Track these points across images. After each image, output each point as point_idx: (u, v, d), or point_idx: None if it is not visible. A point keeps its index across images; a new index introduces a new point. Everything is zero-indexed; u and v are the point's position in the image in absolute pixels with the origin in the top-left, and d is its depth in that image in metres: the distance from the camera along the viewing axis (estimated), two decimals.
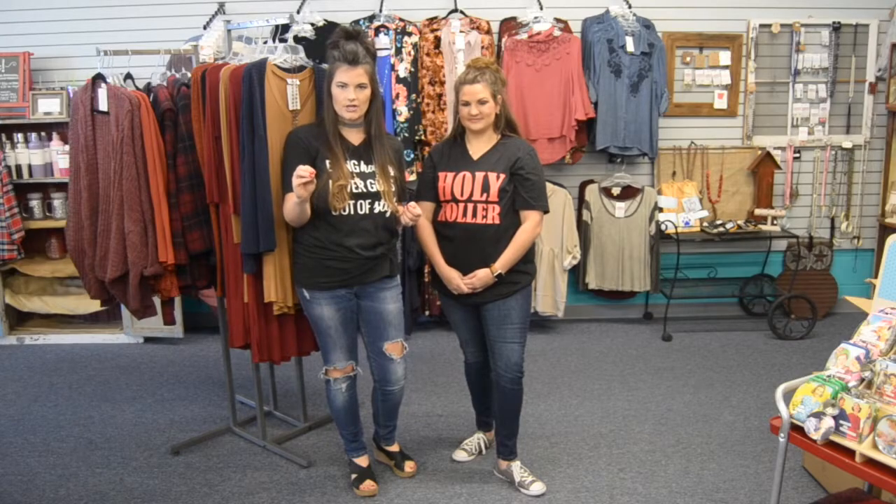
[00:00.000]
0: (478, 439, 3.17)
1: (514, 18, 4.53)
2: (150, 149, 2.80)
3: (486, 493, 2.86)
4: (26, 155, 4.40)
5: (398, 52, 4.33)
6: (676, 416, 3.50)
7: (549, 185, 4.20)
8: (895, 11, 4.71)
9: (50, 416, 3.58)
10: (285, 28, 3.44)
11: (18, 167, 4.41)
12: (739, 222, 4.65)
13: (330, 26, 4.18)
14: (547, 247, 4.55)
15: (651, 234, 4.64)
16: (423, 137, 4.39)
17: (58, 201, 4.48)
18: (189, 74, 2.92)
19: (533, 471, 2.95)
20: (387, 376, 2.81)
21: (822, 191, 4.94)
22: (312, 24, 4.22)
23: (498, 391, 2.83)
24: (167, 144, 2.86)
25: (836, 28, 4.72)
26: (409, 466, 3.00)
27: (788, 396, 2.04)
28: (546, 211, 2.75)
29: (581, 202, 4.71)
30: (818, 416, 1.95)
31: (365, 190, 2.61)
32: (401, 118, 4.34)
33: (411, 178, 4.12)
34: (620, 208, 4.64)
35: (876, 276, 2.40)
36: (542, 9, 4.46)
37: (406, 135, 4.33)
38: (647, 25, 4.47)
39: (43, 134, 4.45)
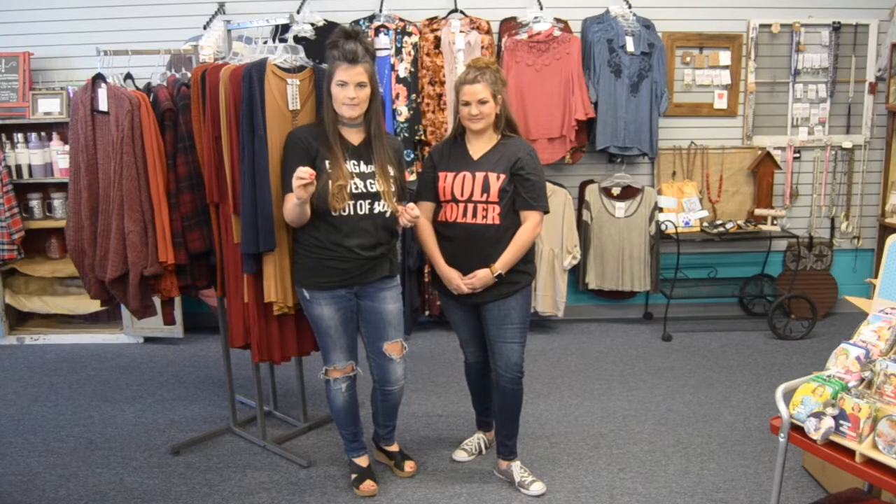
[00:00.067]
0: (478, 439, 3.17)
1: (514, 18, 4.52)
2: (150, 149, 2.80)
3: (486, 493, 2.86)
4: (26, 155, 4.40)
5: (398, 52, 4.33)
6: (676, 416, 3.50)
7: (549, 185, 4.19)
8: (895, 11, 4.71)
9: (50, 416, 3.58)
10: (285, 28, 3.45)
11: (18, 167, 4.41)
12: (739, 222, 4.65)
13: (330, 26, 4.18)
14: (547, 247, 4.55)
15: (651, 234, 4.64)
16: (423, 137, 4.39)
17: (58, 201, 4.48)
18: (189, 74, 2.92)
19: (533, 471, 2.95)
20: (386, 376, 2.81)
21: (822, 191, 4.93)
22: (312, 24, 4.22)
23: (498, 391, 2.83)
24: (167, 144, 2.86)
25: (836, 28, 4.71)
26: (408, 466, 3.00)
27: (788, 396, 2.04)
28: (546, 211, 2.74)
29: (581, 202, 4.70)
30: (818, 416, 1.95)
31: (365, 190, 2.60)
32: (401, 118, 4.34)
33: (411, 178, 4.12)
34: (620, 208, 4.64)
35: (876, 276, 2.39)
36: (542, 9, 4.45)
37: (406, 135, 4.33)
38: (647, 25, 4.47)
39: (43, 134, 4.45)
